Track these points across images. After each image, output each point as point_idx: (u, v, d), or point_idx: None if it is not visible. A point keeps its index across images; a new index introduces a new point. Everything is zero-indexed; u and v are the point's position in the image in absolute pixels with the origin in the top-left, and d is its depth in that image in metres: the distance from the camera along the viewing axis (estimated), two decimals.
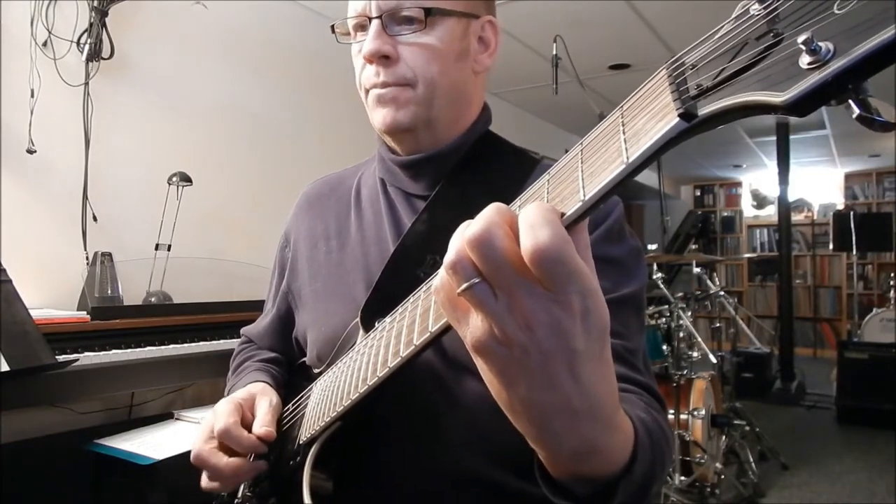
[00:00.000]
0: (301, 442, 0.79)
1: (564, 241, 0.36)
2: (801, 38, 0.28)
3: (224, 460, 0.78)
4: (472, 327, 0.40)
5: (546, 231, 0.36)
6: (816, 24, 0.28)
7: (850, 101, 0.27)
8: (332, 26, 0.86)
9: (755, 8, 0.31)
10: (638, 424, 0.53)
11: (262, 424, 0.79)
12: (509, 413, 0.44)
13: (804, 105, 0.28)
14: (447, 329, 0.48)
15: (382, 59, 0.79)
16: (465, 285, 0.39)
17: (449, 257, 0.39)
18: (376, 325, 0.67)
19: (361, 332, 0.76)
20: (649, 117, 0.33)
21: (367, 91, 0.83)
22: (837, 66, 0.26)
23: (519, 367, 0.40)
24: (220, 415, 0.80)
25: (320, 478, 0.76)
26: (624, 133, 0.35)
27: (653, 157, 0.33)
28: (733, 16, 0.32)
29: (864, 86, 0.27)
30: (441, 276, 0.42)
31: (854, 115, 0.27)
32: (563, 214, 0.38)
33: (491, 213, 0.39)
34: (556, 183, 0.41)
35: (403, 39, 0.80)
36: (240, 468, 0.79)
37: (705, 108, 0.31)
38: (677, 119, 0.32)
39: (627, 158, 0.33)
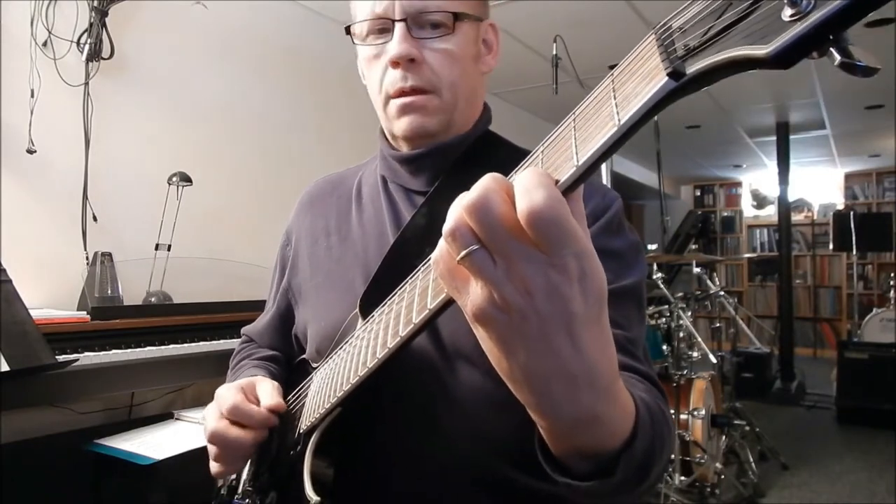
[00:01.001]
0: (301, 431, 0.79)
1: (559, 202, 0.37)
2: None
3: (242, 432, 0.77)
4: (472, 296, 0.41)
5: (541, 193, 0.36)
6: None
7: (832, 50, 0.27)
8: (347, 28, 0.85)
9: None
10: (639, 402, 0.53)
11: (271, 398, 0.79)
12: (510, 383, 0.45)
13: (787, 56, 0.28)
14: (446, 305, 0.48)
15: (409, 62, 0.79)
16: (463, 252, 0.39)
17: (448, 225, 0.40)
18: (374, 313, 0.67)
19: (360, 321, 0.76)
20: (639, 80, 0.34)
21: (389, 97, 0.82)
22: (818, 17, 0.27)
23: (518, 334, 0.40)
24: (224, 397, 0.79)
25: (321, 465, 0.76)
26: (615, 98, 0.35)
27: (644, 119, 0.34)
28: None
29: (845, 35, 0.27)
30: (440, 247, 0.42)
31: (836, 63, 0.27)
32: (557, 181, 0.38)
33: (487, 180, 0.39)
34: (550, 153, 0.41)
35: (429, 44, 0.79)
36: (256, 439, 0.78)
37: (693, 67, 0.32)
38: (666, 79, 0.33)
39: (619, 121, 0.34)
